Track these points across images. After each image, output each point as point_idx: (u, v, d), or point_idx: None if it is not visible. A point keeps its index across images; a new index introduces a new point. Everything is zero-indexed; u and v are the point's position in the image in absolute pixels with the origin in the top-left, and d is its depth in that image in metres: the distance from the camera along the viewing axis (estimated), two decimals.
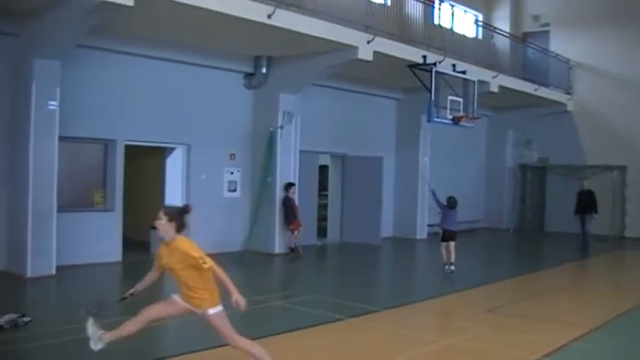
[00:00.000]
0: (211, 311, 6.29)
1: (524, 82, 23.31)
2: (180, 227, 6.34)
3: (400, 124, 22.69)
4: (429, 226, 22.53)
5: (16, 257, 13.08)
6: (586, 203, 20.54)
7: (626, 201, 24.89)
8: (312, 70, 17.23)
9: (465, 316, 11.16)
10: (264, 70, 17.43)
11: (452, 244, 14.49)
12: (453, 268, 14.44)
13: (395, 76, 19.50)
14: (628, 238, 24.25)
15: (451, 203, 14.71)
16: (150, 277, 6.62)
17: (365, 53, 15.94)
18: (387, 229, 21.73)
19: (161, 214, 6.30)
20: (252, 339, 8.53)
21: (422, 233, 22.26)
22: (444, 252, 14.59)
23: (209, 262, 6.12)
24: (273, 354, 8.20)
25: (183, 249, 6.22)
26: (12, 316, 8.98)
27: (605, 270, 18.07)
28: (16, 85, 13.31)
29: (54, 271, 13.03)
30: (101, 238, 14.98)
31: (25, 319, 9.03)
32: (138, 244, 16.99)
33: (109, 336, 6.39)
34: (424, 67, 17.67)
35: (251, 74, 17.60)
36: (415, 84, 18.51)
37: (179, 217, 6.36)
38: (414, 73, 17.89)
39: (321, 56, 16.44)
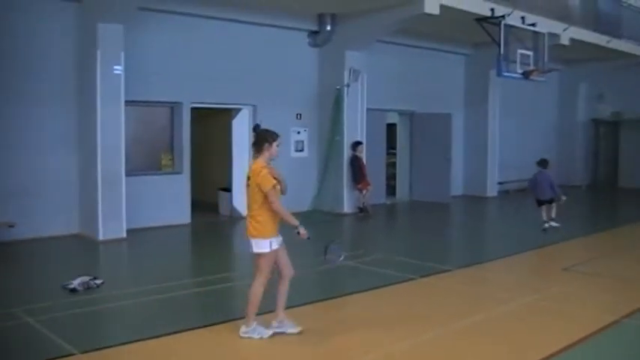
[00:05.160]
0: None
1: (596, 34, 22.20)
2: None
3: (469, 81, 22.21)
4: (500, 183, 22.19)
5: (88, 221, 13.29)
6: None
7: None
8: (378, 26, 16.90)
9: (540, 274, 10.97)
10: (328, 28, 17.21)
11: (552, 204, 14.75)
12: (554, 224, 14.58)
13: (462, 31, 19.07)
14: None
15: (543, 163, 14.89)
16: None
17: (431, 7, 15.42)
18: (456, 187, 21.45)
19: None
20: (324, 300, 8.61)
21: (492, 191, 21.88)
22: (543, 212, 14.73)
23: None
24: (345, 314, 8.22)
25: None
26: (85, 278, 9.12)
27: None
28: (81, 51, 13.40)
29: (124, 234, 13.19)
30: (170, 200, 15.12)
31: (98, 281, 9.15)
32: (206, 206, 17.13)
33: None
34: (492, 21, 17.14)
35: (315, 32, 17.41)
36: (483, 39, 18.00)
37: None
38: (483, 27, 17.38)
39: (386, 11, 16.08)
